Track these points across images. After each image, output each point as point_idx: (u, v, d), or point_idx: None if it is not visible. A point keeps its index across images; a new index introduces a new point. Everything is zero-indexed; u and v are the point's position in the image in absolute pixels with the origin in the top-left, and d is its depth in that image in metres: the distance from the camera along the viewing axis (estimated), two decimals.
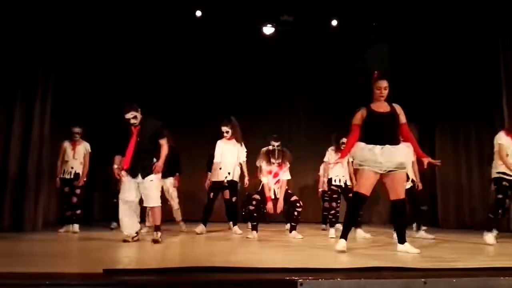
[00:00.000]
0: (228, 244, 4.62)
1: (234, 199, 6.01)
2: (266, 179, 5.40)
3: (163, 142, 4.65)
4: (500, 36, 6.65)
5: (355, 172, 4.55)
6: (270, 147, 5.67)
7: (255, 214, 5.35)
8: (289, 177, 5.49)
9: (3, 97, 5.68)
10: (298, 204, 5.36)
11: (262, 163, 5.50)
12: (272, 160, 5.33)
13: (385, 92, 3.77)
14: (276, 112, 9.30)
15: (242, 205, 7.55)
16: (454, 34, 7.56)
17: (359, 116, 3.80)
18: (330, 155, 6.02)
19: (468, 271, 2.76)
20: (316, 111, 9.36)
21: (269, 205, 5.35)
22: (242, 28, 8.61)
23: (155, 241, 4.32)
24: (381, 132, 3.70)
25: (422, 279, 2.41)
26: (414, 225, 5.72)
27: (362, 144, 3.75)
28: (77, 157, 5.89)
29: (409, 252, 3.66)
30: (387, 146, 3.66)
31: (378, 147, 3.66)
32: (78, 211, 5.84)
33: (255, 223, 5.32)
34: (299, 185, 8.50)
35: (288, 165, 5.45)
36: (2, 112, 5.67)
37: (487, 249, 4.35)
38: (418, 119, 7.66)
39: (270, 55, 8.98)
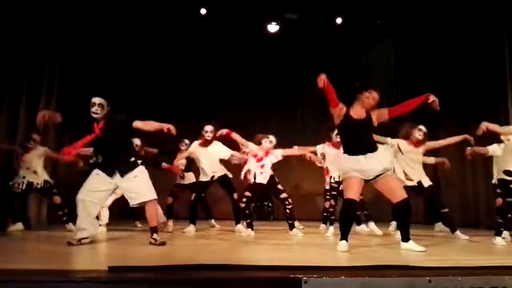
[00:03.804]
0: (231, 243, 4.61)
1: (235, 195, 5.66)
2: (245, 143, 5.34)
3: (138, 124, 3.87)
4: (505, 25, 6.58)
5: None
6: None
7: (247, 212, 5.24)
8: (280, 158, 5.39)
9: (8, 99, 5.72)
10: (287, 202, 5.28)
11: (251, 147, 5.38)
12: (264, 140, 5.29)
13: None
14: (280, 110, 9.28)
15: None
16: (458, 29, 7.49)
17: (338, 108, 3.88)
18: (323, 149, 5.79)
19: (473, 269, 2.74)
20: (320, 109, 9.25)
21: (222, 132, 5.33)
22: (246, 26, 8.60)
23: (161, 244, 3.91)
24: (360, 142, 3.79)
25: (427, 278, 2.41)
26: (438, 224, 5.78)
27: (345, 156, 3.81)
28: (27, 166, 5.37)
29: (414, 250, 3.65)
30: (369, 154, 3.73)
31: (361, 156, 3.73)
32: (65, 210, 5.34)
33: (249, 221, 5.22)
34: (302, 182, 8.48)
35: (276, 156, 5.35)
36: (7, 113, 5.71)
37: (492, 247, 4.32)
38: (422, 116, 7.58)
39: (274, 53, 8.96)
